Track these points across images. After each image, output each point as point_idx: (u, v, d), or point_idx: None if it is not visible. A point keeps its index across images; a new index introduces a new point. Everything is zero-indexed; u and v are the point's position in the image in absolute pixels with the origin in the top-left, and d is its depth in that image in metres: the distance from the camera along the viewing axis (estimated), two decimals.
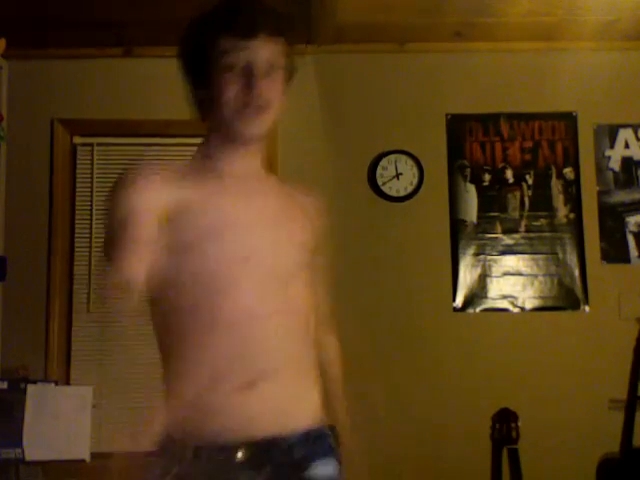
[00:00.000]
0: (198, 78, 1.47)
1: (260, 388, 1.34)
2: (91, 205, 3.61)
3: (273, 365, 1.37)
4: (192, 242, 1.38)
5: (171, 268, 1.37)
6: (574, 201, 3.63)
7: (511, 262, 3.59)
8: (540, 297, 3.57)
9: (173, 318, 1.40)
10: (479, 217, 3.61)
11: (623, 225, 3.62)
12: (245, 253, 1.40)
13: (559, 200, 3.64)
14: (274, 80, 1.46)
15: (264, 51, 1.43)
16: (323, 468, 1.39)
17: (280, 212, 1.51)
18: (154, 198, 1.38)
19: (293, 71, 1.54)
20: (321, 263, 1.58)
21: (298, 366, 1.42)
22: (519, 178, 3.65)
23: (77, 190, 3.63)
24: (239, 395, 1.34)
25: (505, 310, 3.57)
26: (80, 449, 2.81)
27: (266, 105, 1.44)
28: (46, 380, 3.20)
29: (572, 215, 3.62)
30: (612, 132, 3.67)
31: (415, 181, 3.61)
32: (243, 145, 1.49)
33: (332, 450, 1.43)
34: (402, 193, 3.61)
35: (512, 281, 3.58)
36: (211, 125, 1.50)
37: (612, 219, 3.62)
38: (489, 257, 3.59)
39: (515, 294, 3.57)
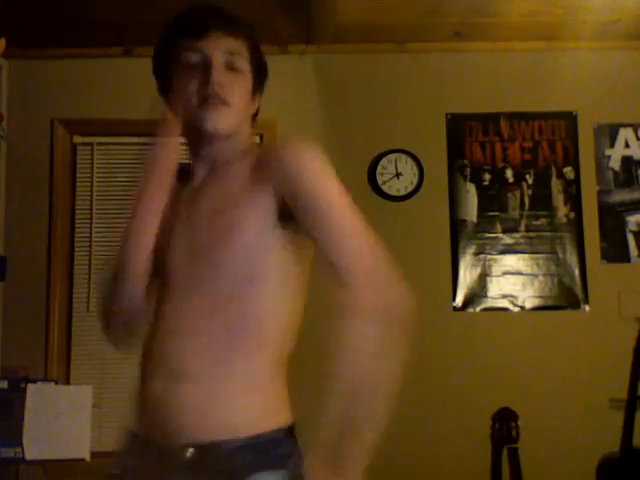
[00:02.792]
0: (164, 84, 1.50)
1: (178, 389, 1.33)
2: (91, 205, 3.61)
3: (190, 368, 1.34)
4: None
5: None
6: (574, 201, 3.63)
7: (511, 261, 3.59)
8: (540, 297, 3.57)
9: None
10: (479, 217, 3.62)
11: (623, 225, 3.62)
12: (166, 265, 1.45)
13: (559, 200, 3.64)
14: (235, 77, 1.44)
15: (218, 48, 1.43)
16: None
17: (223, 211, 1.39)
18: None
19: (262, 73, 1.53)
20: (322, 210, 1.34)
21: (226, 371, 1.32)
22: (519, 178, 3.65)
23: (77, 190, 3.63)
24: (161, 394, 1.35)
25: (505, 309, 3.57)
26: (80, 448, 2.81)
27: (225, 98, 1.42)
28: (46, 380, 3.20)
29: (572, 215, 3.62)
30: (612, 132, 3.67)
31: (415, 181, 3.61)
32: (208, 144, 1.46)
33: (280, 460, 1.31)
34: (402, 193, 3.61)
35: (512, 280, 3.58)
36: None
37: (612, 219, 3.62)
38: (489, 256, 3.59)
39: (515, 293, 3.57)
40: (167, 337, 1.38)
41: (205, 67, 1.42)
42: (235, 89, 1.44)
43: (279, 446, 1.32)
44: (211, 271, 1.36)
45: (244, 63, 1.47)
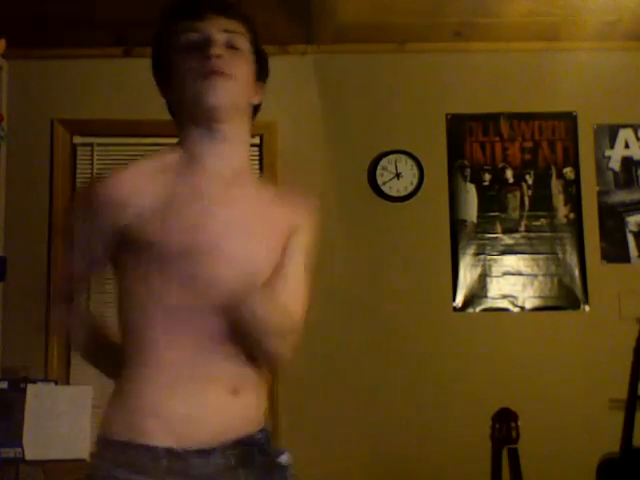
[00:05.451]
0: (163, 71, 1.46)
1: (239, 398, 1.41)
2: None
3: (247, 377, 1.43)
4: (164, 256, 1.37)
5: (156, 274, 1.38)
6: (574, 201, 3.63)
7: (511, 262, 3.59)
8: (540, 297, 3.57)
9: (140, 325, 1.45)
10: (479, 217, 3.62)
11: (623, 225, 3.62)
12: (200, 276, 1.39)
13: (559, 200, 3.64)
14: (236, 54, 1.42)
15: (217, 29, 1.41)
16: (286, 460, 1.47)
17: (254, 221, 1.43)
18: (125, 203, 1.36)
19: (263, 64, 1.51)
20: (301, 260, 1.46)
21: (258, 379, 1.46)
22: (519, 178, 3.65)
23: (77, 190, 3.63)
24: (220, 403, 1.40)
25: (505, 310, 3.57)
26: (80, 449, 2.80)
27: (229, 71, 1.39)
28: (46, 380, 3.20)
29: (572, 215, 3.62)
30: (612, 132, 3.67)
31: (415, 181, 3.61)
32: (211, 122, 1.41)
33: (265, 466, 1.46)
34: (402, 193, 3.61)
35: (512, 281, 3.58)
36: (181, 115, 1.47)
37: (612, 219, 3.62)
38: (489, 257, 3.59)
39: (515, 294, 3.57)
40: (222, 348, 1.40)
41: (204, 44, 1.40)
42: (237, 64, 1.42)
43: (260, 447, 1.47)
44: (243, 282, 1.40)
45: (245, 43, 1.45)
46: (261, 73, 1.50)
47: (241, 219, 1.41)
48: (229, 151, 1.44)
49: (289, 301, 1.41)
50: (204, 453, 1.36)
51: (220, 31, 1.41)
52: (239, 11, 1.47)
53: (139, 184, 1.37)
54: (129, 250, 1.38)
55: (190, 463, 1.34)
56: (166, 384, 1.36)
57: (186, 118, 1.45)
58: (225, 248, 1.38)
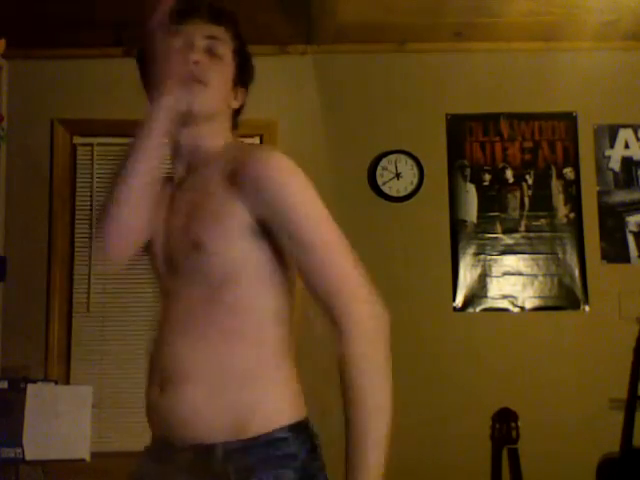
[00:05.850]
0: (146, 69, 1.51)
1: (170, 392, 1.34)
2: (91, 205, 3.61)
3: (179, 371, 1.34)
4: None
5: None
6: (574, 201, 3.63)
7: (511, 262, 3.59)
8: (540, 297, 3.57)
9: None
10: (479, 217, 3.62)
11: (623, 225, 3.62)
12: (157, 263, 1.47)
13: (559, 200, 3.64)
14: (214, 61, 1.45)
15: (199, 33, 1.45)
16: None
17: (199, 208, 1.38)
18: None
19: (246, 67, 1.53)
20: (296, 236, 1.31)
21: (209, 374, 1.32)
22: (519, 178, 3.65)
23: (77, 190, 3.63)
24: (159, 397, 1.36)
25: (505, 310, 3.57)
26: (80, 449, 2.80)
27: (204, 78, 1.42)
28: (46, 380, 3.20)
29: (572, 215, 3.62)
30: (612, 132, 3.67)
31: (415, 181, 3.61)
32: (185, 127, 1.44)
33: (284, 460, 1.30)
34: (402, 193, 3.60)
35: (512, 281, 3.58)
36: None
37: (612, 219, 3.62)
38: (489, 257, 3.59)
39: (515, 294, 3.57)
40: (164, 338, 1.40)
41: (185, 47, 1.43)
42: (213, 71, 1.44)
43: (283, 445, 1.30)
44: (187, 277, 1.38)
45: (226, 50, 1.47)
46: (243, 78, 1.52)
47: (179, 217, 1.42)
48: (192, 139, 1.45)
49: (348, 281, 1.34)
50: (153, 452, 1.40)
51: (202, 37, 1.45)
52: (226, 16, 1.49)
53: None
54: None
55: (141, 461, 1.41)
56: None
57: None
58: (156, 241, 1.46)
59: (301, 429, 1.35)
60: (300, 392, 1.40)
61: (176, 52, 1.41)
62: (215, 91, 1.44)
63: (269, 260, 1.36)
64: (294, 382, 1.39)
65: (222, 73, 1.46)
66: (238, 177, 1.33)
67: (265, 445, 1.29)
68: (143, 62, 1.55)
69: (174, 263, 1.41)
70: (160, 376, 1.35)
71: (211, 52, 1.45)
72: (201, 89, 1.42)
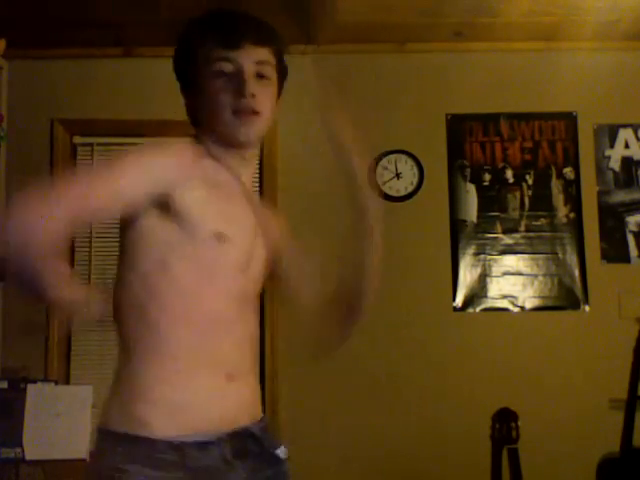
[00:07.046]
0: (190, 85, 1.53)
1: (234, 384, 1.45)
2: None
3: (242, 365, 1.50)
4: (192, 242, 1.42)
5: (163, 256, 1.41)
6: (574, 201, 3.63)
7: (511, 262, 3.59)
8: (540, 297, 3.57)
9: (149, 308, 1.41)
10: (479, 217, 3.62)
11: (623, 225, 3.62)
12: (232, 263, 1.49)
13: (559, 200, 3.64)
14: (265, 87, 1.51)
15: (251, 60, 1.48)
16: (283, 453, 1.53)
17: (259, 225, 1.57)
18: (171, 172, 1.41)
19: (285, 77, 1.61)
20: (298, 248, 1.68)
21: (253, 368, 1.56)
22: (519, 178, 3.65)
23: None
24: (217, 389, 1.43)
25: (505, 310, 3.57)
26: (80, 448, 2.80)
27: (258, 110, 1.49)
28: (46, 380, 3.20)
29: (572, 215, 3.62)
30: (612, 132, 3.67)
31: (415, 181, 3.61)
32: (238, 149, 1.53)
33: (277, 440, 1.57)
34: (402, 193, 3.61)
35: (512, 281, 3.58)
36: (205, 130, 1.53)
37: (612, 219, 3.62)
38: (489, 257, 3.59)
39: (515, 294, 3.57)
40: (235, 335, 1.49)
41: (238, 78, 1.47)
42: (264, 99, 1.51)
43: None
44: (256, 284, 1.57)
45: (272, 71, 1.53)
46: (280, 91, 1.60)
47: (253, 219, 1.56)
48: (246, 167, 1.57)
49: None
50: (201, 445, 1.37)
51: (253, 62, 1.49)
52: (271, 36, 1.54)
53: (189, 163, 1.45)
54: (158, 218, 1.40)
55: (187, 455, 1.35)
56: (168, 371, 1.39)
57: (210, 130, 1.51)
58: (242, 241, 1.50)
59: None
60: None
61: (229, 79, 1.47)
62: (268, 117, 1.53)
63: None
64: None
65: (271, 96, 1.54)
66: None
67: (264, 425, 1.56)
68: (186, 75, 1.56)
69: (248, 266, 1.52)
70: (226, 368, 1.44)
71: (260, 75, 1.50)
72: (258, 119, 1.49)
